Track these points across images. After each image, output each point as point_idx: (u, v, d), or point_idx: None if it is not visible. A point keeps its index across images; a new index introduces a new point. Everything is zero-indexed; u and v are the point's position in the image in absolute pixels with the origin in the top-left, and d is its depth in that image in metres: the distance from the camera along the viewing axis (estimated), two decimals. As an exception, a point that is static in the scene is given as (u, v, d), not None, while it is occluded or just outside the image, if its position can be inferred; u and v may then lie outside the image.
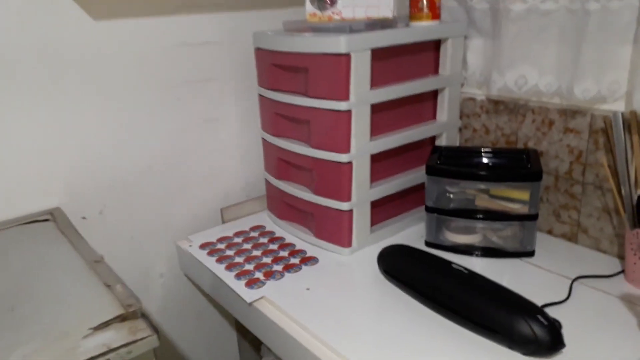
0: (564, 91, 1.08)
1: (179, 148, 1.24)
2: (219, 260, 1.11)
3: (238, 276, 1.04)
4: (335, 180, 1.08)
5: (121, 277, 0.77)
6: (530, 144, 1.17)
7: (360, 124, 1.05)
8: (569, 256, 1.07)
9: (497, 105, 1.22)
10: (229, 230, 1.26)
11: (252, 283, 1.01)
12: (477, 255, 1.09)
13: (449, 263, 0.93)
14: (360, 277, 1.04)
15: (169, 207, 1.26)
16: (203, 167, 1.30)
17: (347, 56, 0.99)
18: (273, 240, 1.20)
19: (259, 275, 1.04)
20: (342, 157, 1.05)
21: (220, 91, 1.28)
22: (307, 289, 1.00)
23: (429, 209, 1.12)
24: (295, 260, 1.10)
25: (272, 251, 1.14)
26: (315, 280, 1.03)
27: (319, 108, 1.05)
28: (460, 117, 1.30)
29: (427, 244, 1.15)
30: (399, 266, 0.99)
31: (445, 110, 1.22)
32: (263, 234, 1.23)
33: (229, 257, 1.12)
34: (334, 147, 1.06)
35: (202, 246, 1.18)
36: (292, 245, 1.17)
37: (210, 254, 1.14)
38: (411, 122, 1.20)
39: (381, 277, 1.03)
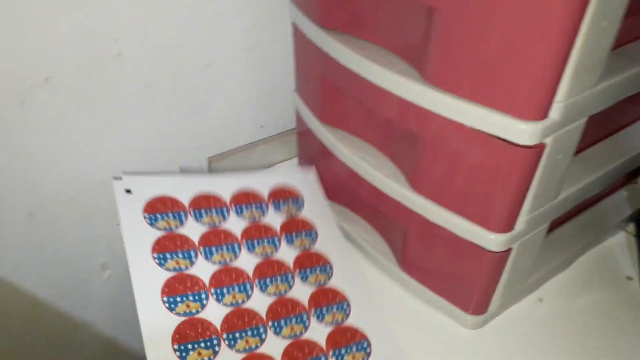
0: None
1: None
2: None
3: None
4: (488, 178, 0.41)
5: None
6: None
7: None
8: None
9: None
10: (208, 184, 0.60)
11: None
12: None
13: None
14: None
15: (106, 137, 0.61)
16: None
17: None
18: (294, 227, 0.58)
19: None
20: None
21: None
22: None
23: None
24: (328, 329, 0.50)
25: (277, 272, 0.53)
26: None
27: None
28: None
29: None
30: None
31: None
32: (278, 195, 0.60)
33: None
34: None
35: (148, 209, 0.54)
36: (327, 267, 0.55)
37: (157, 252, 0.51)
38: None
39: None
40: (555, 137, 0.38)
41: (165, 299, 0.47)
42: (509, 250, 0.45)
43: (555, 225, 0.57)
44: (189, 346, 0.45)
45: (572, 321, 0.52)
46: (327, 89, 0.53)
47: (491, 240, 0.43)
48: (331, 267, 0.55)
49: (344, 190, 0.59)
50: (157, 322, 0.45)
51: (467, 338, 0.50)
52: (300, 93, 0.60)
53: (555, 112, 0.37)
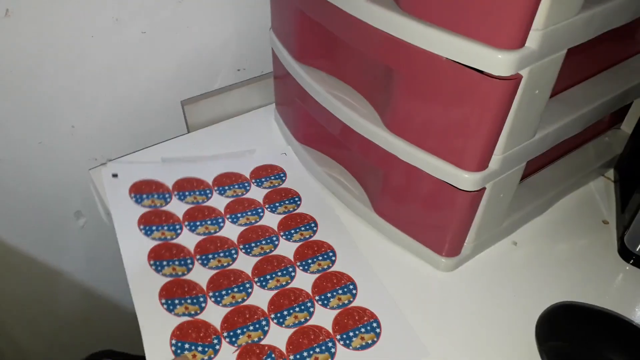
0: None
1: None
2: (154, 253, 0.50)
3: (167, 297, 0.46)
4: (463, 109, 0.40)
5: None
6: None
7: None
8: None
9: None
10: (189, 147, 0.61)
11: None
12: None
13: None
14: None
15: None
16: None
17: None
18: (277, 196, 0.57)
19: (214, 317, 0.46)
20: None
21: None
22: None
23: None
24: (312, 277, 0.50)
25: (260, 232, 0.53)
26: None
27: None
28: None
29: (625, 253, 0.52)
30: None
31: None
32: (259, 174, 0.59)
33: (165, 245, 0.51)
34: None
35: (133, 190, 0.56)
36: (312, 224, 0.54)
37: (144, 223, 0.52)
38: None
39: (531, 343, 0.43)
40: (532, 69, 0.37)
41: (152, 262, 0.49)
42: (482, 190, 0.44)
43: (534, 169, 0.56)
44: (176, 301, 0.46)
45: (546, 264, 0.52)
46: (301, 24, 0.51)
47: (464, 179, 0.42)
48: (316, 224, 0.54)
49: (320, 133, 0.58)
50: (144, 282, 0.47)
51: (441, 280, 0.50)
52: (275, 31, 0.58)
53: (533, 41, 0.35)
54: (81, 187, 0.67)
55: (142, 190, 0.55)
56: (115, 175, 0.57)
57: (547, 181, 0.56)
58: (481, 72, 0.36)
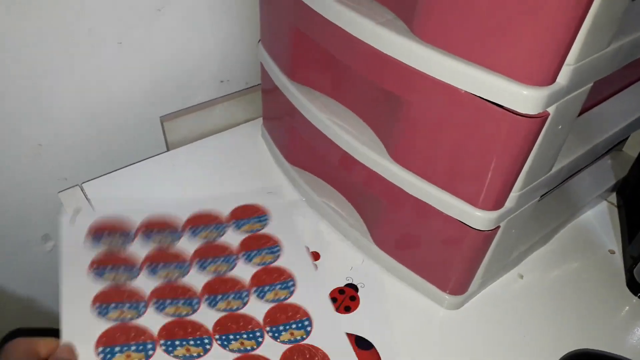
0: None
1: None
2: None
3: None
4: (474, 145, 0.36)
5: None
6: None
7: None
8: None
9: None
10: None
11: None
12: None
13: None
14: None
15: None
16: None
17: None
18: (255, 244, 0.50)
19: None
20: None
21: None
22: None
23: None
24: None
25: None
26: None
27: None
28: None
29: (634, 286, 0.50)
30: None
31: None
32: (239, 215, 0.53)
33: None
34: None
35: (93, 232, 0.49)
36: (290, 282, 0.48)
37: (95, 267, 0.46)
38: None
39: None
40: (559, 105, 0.33)
41: (97, 305, 0.42)
42: (496, 229, 0.41)
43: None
44: (116, 348, 0.40)
45: (554, 299, 0.49)
46: (296, 41, 0.46)
47: (478, 218, 0.39)
48: (294, 284, 0.47)
49: (314, 156, 0.53)
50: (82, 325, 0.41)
51: (444, 319, 0.47)
52: (265, 45, 0.53)
53: (563, 76, 0.32)
54: (49, 209, 0.61)
55: (101, 231, 0.48)
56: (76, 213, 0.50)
57: (552, 210, 0.53)
58: (504, 107, 0.33)
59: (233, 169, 0.59)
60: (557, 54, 0.30)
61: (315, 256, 0.51)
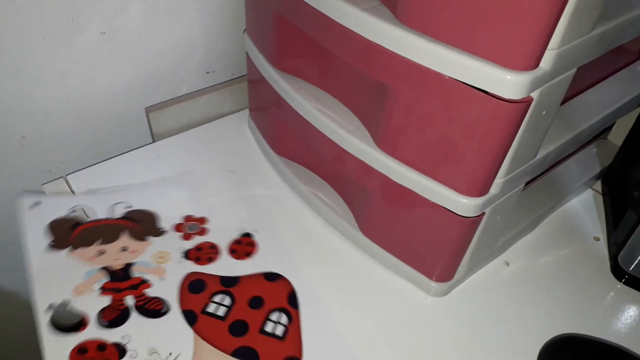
0: None
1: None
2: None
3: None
4: (463, 127, 0.36)
5: None
6: None
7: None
8: None
9: None
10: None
11: None
12: None
13: None
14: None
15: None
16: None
17: None
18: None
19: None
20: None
21: None
22: None
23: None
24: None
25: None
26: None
27: None
28: None
29: (619, 272, 0.50)
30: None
31: None
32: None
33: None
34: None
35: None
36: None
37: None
38: None
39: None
40: (543, 90, 0.33)
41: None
42: (481, 215, 0.41)
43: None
44: None
45: (539, 286, 0.49)
46: (281, 29, 0.46)
47: (463, 205, 0.39)
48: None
49: (300, 146, 0.53)
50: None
51: (431, 306, 0.47)
52: (250, 34, 0.53)
53: (546, 61, 0.32)
54: (33, 202, 0.60)
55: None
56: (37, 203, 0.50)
57: (538, 197, 0.54)
58: (488, 93, 0.33)
59: (219, 160, 0.58)
60: (540, 38, 0.30)
61: (202, 221, 0.51)
